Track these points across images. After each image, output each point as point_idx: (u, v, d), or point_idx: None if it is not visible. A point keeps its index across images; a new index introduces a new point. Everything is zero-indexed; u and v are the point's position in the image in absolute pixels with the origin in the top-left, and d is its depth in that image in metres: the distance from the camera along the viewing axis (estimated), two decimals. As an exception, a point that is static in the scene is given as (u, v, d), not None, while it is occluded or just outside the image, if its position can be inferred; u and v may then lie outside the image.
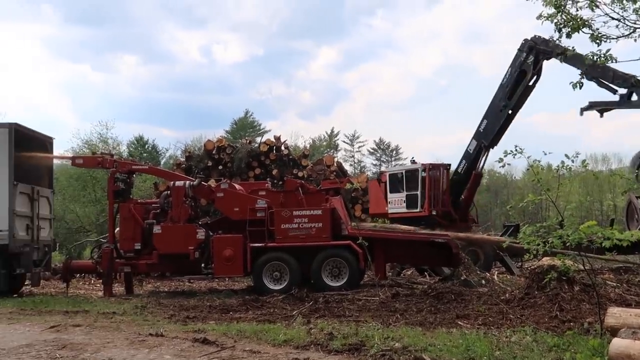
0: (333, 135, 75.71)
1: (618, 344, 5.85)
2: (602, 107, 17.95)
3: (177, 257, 15.51)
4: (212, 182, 19.44)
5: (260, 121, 72.32)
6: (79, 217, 38.72)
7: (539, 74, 20.16)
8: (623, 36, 10.35)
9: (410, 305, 11.54)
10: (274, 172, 24.67)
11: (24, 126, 16.87)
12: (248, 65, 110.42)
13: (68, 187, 39.42)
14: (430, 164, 21.89)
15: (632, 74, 17.23)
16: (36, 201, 16.93)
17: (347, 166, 50.90)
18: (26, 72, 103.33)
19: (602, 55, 10.32)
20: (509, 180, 65.51)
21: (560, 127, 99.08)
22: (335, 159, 28.83)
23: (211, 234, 15.78)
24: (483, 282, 14.39)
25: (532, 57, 19.89)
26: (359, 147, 78.27)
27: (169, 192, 16.37)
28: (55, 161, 19.89)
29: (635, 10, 10.14)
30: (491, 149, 21.03)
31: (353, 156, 77.65)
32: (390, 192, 21.83)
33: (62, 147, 48.69)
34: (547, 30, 56.59)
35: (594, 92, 17.91)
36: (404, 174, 21.77)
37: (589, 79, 16.76)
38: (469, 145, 21.33)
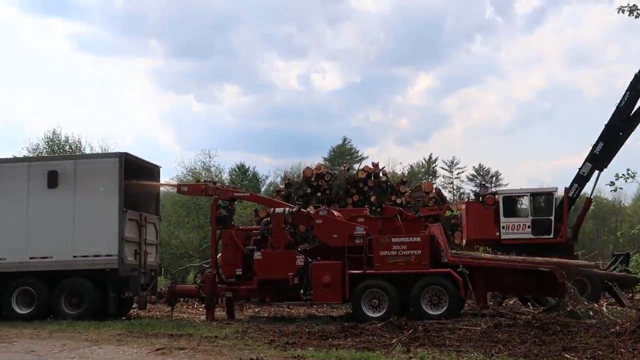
0: (431, 162, 74.91)
1: None
2: None
3: (276, 282, 15.68)
4: (311, 209, 19.60)
5: (357, 148, 72.64)
6: (183, 243, 39.63)
7: None
8: None
9: (514, 336, 11.19)
10: (372, 198, 24.62)
11: (133, 155, 17.58)
12: (346, 93, 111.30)
13: (173, 213, 40.42)
14: (566, 187, 21.03)
15: None
16: (144, 227, 17.59)
17: (445, 193, 50.16)
18: (135, 104, 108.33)
19: None
20: (617, 207, 62.68)
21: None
22: (434, 186, 28.41)
23: (310, 260, 15.87)
24: (591, 313, 13.76)
25: None
26: (458, 173, 77.06)
27: (269, 218, 16.62)
28: (161, 189, 20.62)
29: None
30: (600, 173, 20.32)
31: (452, 182, 76.46)
32: (505, 215, 20.73)
33: (168, 175, 50.18)
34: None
35: None
36: (531, 196, 21.04)
37: None
38: (581, 168, 20.54)
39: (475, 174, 76.91)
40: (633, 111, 19.81)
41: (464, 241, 20.94)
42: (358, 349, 10.16)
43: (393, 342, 10.99)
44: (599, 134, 20.25)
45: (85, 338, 12.55)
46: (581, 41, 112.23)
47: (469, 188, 76.46)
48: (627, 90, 19.87)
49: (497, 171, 75.20)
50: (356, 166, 30.04)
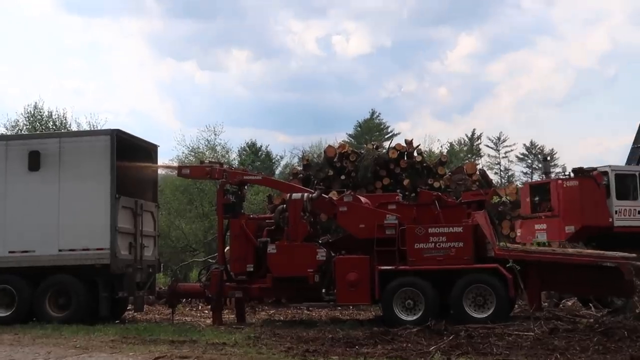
0: (474, 139, 74.82)
1: None
2: None
3: (294, 280, 15.73)
4: (333, 194, 19.61)
5: (388, 123, 72.80)
6: (185, 235, 39.85)
7: None
8: None
9: (572, 343, 11.18)
10: (405, 182, 24.55)
11: (126, 133, 17.65)
12: (374, 59, 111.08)
13: (173, 200, 40.61)
14: None
15: None
16: (139, 216, 17.71)
17: (491, 175, 49.94)
18: (129, 74, 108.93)
19: None
20: None
21: None
22: (478, 167, 28.19)
23: (333, 254, 15.91)
24: (664, 316, 13.68)
25: None
26: (506, 152, 76.91)
27: (284, 206, 16.70)
28: (160, 171, 20.71)
29: None
30: None
31: (499, 163, 76.46)
32: (618, 198, 20.30)
33: (167, 156, 50.67)
34: None
35: None
36: None
37: None
38: None
39: (527, 152, 76.68)
40: None
41: (572, 228, 19.99)
42: (390, 358, 10.16)
43: (431, 350, 10.99)
44: None
45: (74, 345, 12.68)
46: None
47: (518, 169, 76.38)
48: None
49: (552, 149, 75.01)
50: (386, 144, 29.91)
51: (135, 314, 18.51)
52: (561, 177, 23.04)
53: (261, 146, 66.56)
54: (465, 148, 71.96)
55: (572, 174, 21.13)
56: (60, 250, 16.59)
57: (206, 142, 44.04)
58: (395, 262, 15.20)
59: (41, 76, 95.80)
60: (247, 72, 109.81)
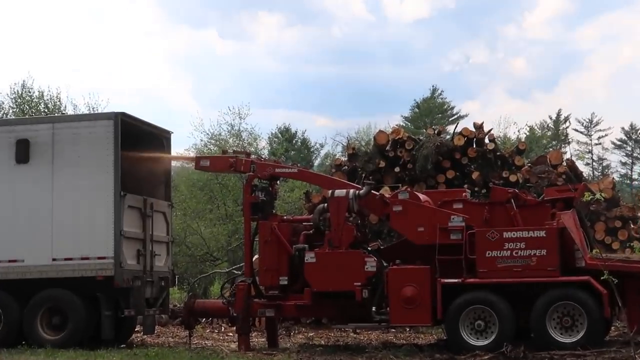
0: (560, 122, 74.10)
1: None
2: None
3: (337, 296, 15.77)
4: (385, 191, 19.58)
5: (453, 103, 72.66)
6: (205, 240, 39.95)
7: None
8: None
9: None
10: (475, 175, 24.43)
11: (133, 116, 17.73)
12: (434, 23, 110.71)
13: (190, 198, 40.73)
14: None
15: None
16: (149, 218, 17.81)
17: (581, 166, 49.51)
18: (136, 45, 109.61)
19: None
20: None
21: None
22: (565, 156, 27.93)
23: (385, 264, 15.89)
24: None
25: None
26: (599, 137, 76.12)
27: (325, 205, 16.70)
28: (173, 163, 20.82)
29: None
30: None
31: (590, 151, 75.63)
32: None
33: (182, 145, 50.93)
34: None
35: None
36: None
37: None
38: None
39: (626, 137, 75.78)
40: None
41: None
42: (456, 393, 10.14)
43: (506, 382, 10.96)
44: None
45: (71, 373, 12.84)
46: None
47: (615, 159, 75.51)
48: None
49: (658, 134, 73.94)
50: (450, 129, 29.86)
51: (145, 336, 18.66)
52: None
53: (296, 132, 67.08)
54: (548, 133, 71.37)
55: None
56: (54, 260, 16.74)
57: (229, 128, 44.30)
58: (461, 274, 15.14)
59: (30, 49, 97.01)
60: (278, 42, 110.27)
